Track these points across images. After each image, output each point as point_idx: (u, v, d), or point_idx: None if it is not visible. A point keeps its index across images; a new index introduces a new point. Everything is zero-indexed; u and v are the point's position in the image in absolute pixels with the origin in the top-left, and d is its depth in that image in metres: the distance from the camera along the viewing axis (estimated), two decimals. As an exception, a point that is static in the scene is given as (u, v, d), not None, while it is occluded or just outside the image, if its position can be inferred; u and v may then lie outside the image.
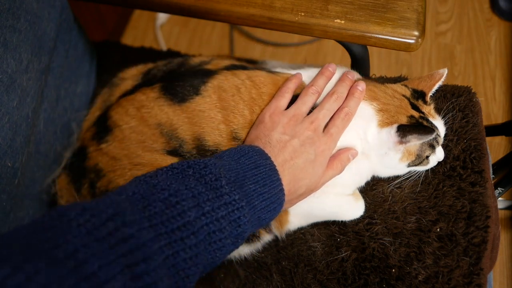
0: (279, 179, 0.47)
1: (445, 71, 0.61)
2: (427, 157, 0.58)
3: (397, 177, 0.61)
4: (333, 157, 0.55)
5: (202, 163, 0.43)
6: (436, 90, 0.67)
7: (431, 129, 0.53)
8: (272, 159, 0.48)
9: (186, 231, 0.37)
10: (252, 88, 0.57)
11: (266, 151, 0.49)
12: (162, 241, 0.36)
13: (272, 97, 0.56)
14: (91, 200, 0.37)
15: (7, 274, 0.28)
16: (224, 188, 0.41)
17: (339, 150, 0.56)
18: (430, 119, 0.57)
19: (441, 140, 0.58)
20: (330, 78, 0.59)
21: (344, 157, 0.55)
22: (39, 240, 0.31)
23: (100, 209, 0.35)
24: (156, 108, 0.57)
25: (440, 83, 0.61)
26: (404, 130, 0.53)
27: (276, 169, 0.47)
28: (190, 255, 0.37)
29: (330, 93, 0.56)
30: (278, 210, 0.47)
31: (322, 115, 0.55)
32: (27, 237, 0.32)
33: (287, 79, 0.58)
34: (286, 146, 0.51)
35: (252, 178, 0.45)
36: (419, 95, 0.60)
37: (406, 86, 0.61)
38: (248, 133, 0.55)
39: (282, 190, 0.47)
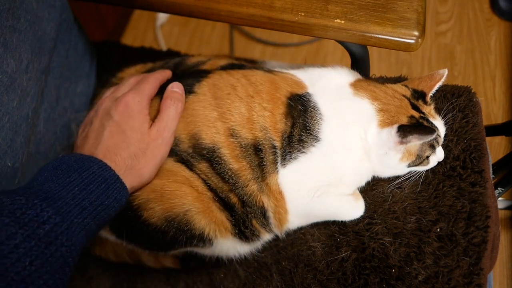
0: (91, 161, 0.45)
1: (445, 72, 0.61)
2: (427, 157, 0.58)
3: (397, 177, 0.61)
4: (162, 101, 0.54)
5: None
6: (436, 90, 0.67)
7: (431, 129, 0.53)
8: (80, 152, 0.49)
9: None
10: (248, 86, 0.57)
11: (77, 152, 0.50)
12: None
13: (271, 95, 0.56)
14: None
15: None
16: (5, 201, 0.38)
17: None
18: (431, 119, 0.57)
19: (441, 140, 0.59)
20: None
21: (169, 93, 0.54)
22: None
23: None
24: (152, 108, 0.57)
25: (440, 83, 0.61)
26: (404, 130, 0.53)
27: (83, 157, 0.46)
28: None
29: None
30: (107, 186, 0.44)
31: (115, 89, 0.56)
32: None
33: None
34: (88, 134, 0.52)
35: (52, 180, 0.42)
36: (419, 95, 0.60)
37: (406, 86, 0.61)
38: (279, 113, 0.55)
39: (102, 167, 0.45)
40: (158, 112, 0.54)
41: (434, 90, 0.61)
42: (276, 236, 0.61)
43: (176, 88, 0.55)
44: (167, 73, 0.60)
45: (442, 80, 0.61)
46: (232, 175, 0.54)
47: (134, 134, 0.50)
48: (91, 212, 0.42)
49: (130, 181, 0.49)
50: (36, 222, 0.37)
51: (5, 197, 0.38)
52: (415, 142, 0.55)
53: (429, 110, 0.59)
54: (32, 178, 0.44)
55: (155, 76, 0.58)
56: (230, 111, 0.55)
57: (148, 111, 0.54)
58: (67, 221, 0.39)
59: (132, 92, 0.53)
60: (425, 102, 0.60)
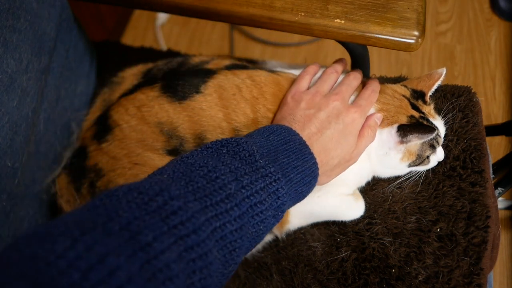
0: (310, 153, 0.47)
1: (443, 71, 0.61)
2: (428, 157, 0.58)
3: (398, 177, 0.61)
4: (362, 127, 0.54)
5: (234, 141, 0.44)
6: (436, 90, 0.67)
7: (431, 128, 0.53)
8: (300, 134, 0.49)
9: (230, 203, 0.38)
10: (253, 87, 0.57)
11: (293, 128, 0.49)
12: (209, 213, 0.36)
13: (275, 96, 0.56)
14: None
15: (67, 245, 0.28)
16: (259, 162, 0.42)
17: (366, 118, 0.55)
18: (430, 119, 0.57)
19: (441, 140, 0.59)
20: (344, 67, 0.60)
21: (372, 122, 0.55)
22: (92, 217, 0.32)
23: (146, 187, 0.36)
24: (156, 106, 0.57)
25: (439, 82, 0.61)
26: (404, 130, 0.54)
27: (305, 143, 0.48)
28: (235, 227, 0.38)
29: (347, 74, 0.58)
30: (313, 183, 0.47)
31: (345, 89, 0.55)
32: (81, 216, 0.33)
33: (305, 67, 0.59)
34: (312, 119, 0.51)
35: (284, 153, 0.45)
36: (418, 95, 0.60)
37: (405, 86, 0.61)
38: (273, 117, 0.56)
39: (315, 163, 0.47)
40: (360, 135, 0.54)
41: (433, 89, 0.61)
42: (276, 236, 0.61)
43: (378, 120, 0.56)
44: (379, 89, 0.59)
45: (441, 79, 0.61)
46: None
47: (345, 151, 0.52)
48: (296, 199, 0.47)
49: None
50: (275, 195, 0.42)
51: (259, 157, 0.43)
52: (415, 142, 0.55)
53: (429, 109, 0.59)
54: (263, 134, 0.47)
55: (376, 96, 0.57)
56: (235, 112, 0.55)
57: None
58: (288, 202, 0.44)
59: (360, 112, 0.53)
60: (425, 102, 0.60)
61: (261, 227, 0.41)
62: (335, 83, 0.57)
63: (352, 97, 0.56)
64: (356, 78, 0.57)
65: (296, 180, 0.45)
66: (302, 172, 0.45)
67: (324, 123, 0.51)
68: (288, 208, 0.46)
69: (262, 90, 0.57)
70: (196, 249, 0.34)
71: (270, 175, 0.42)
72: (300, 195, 0.46)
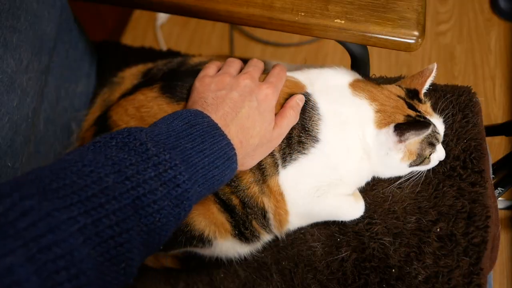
0: (221, 134, 0.45)
1: (434, 66, 0.61)
2: (428, 156, 0.58)
3: (398, 177, 0.61)
4: (282, 107, 0.54)
5: (126, 131, 0.41)
6: (436, 90, 0.67)
7: (427, 123, 0.53)
8: (212, 116, 0.47)
9: (105, 197, 0.35)
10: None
11: (204, 111, 0.48)
12: (75, 210, 0.33)
13: None
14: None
15: None
16: (151, 151, 0.40)
17: (287, 100, 0.55)
18: (428, 117, 0.57)
19: (440, 138, 0.59)
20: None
21: (293, 103, 0.55)
22: None
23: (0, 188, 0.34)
24: (155, 107, 0.57)
25: (431, 78, 0.61)
26: (401, 129, 0.54)
27: (215, 125, 0.46)
28: (115, 221, 0.35)
29: (250, 60, 0.59)
30: (229, 165, 0.45)
31: (252, 69, 0.55)
32: None
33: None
34: (225, 100, 0.50)
35: (188, 137, 0.43)
36: (413, 94, 0.60)
37: (400, 86, 0.61)
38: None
39: (228, 144, 0.45)
40: (280, 115, 0.54)
41: (426, 86, 0.61)
42: (276, 236, 0.61)
43: (300, 101, 0.55)
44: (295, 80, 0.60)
45: (433, 75, 0.61)
46: (234, 178, 0.54)
47: (264, 128, 0.51)
48: (209, 185, 0.44)
49: (239, 165, 0.49)
50: (173, 183, 0.39)
51: (151, 145, 0.40)
52: (414, 138, 0.55)
53: (425, 108, 0.59)
54: (166, 121, 0.45)
55: (285, 74, 0.58)
56: None
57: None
58: (193, 188, 0.41)
59: (273, 87, 0.53)
60: (420, 100, 0.60)
61: (157, 218, 0.38)
62: (240, 68, 0.57)
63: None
64: (259, 61, 0.58)
65: (202, 165, 0.42)
66: (210, 155, 0.43)
67: (237, 102, 0.50)
68: (200, 195, 0.44)
69: None
70: (55, 249, 0.32)
71: (164, 162, 0.39)
72: (213, 180, 0.44)
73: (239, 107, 0.50)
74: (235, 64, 0.57)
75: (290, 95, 0.56)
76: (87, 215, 0.34)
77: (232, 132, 0.47)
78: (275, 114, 0.54)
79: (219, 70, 0.57)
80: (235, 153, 0.46)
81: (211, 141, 0.44)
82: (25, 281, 0.30)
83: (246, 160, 0.50)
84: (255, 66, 0.56)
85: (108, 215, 0.35)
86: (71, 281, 0.32)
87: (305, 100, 0.56)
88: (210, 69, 0.57)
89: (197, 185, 0.42)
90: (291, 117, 0.54)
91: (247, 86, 0.52)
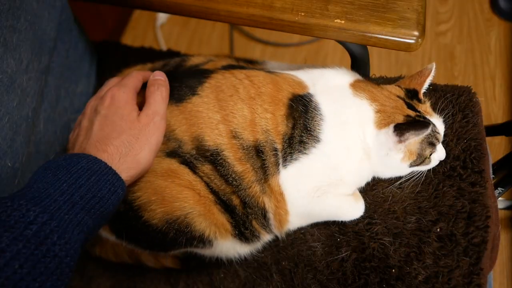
0: (80, 156, 0.44)
1: (433, 66, 0.61)
2: (429, 156, 0.58)
3: (398, 178, 0.61)
4: (147, 89, 0.55)
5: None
6: (436, 90, 0.67)
7: (426, 123, 0.53)
8: (76, 152, 0.49)
9: None
10: (251, 88, 0.57)
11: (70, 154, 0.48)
12: None
13: (273, 97, 0.56)
14: None
15: None
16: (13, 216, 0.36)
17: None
18: (427, 116, 0.57)
19: (440, 138, 0.59)
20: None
21: (151, 81, 0.55)
22: None
23: None
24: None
25: (430, 78, 0.61)
26: (400, 129, 0.54)
27: (72, 155, 0.45)
28: None
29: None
30: (98, 178, 0.43)
31: (99, 92, 0.58)
32: None
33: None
34: (79, 134, 0.53)
35: (40, 180, 0.41)
36: (412, 94, 0.60)
37: (399, 86, 0.61)
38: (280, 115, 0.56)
39: (91, 160, 0.44)
40: (144, 101, 0.55)
41: (425, 86, 0.61)
42: (276, 236, 0.61)
43: (158, 75, 0.56)
44: (147, 72, 0.61)
45: (432, 74, 0.61)
46: (236, 177, 0.54)
47: (124, 123, 0.51)
48: (83, 206, 0.41)
49: (127, 169, 0.48)
50: (22, 223, 0.35)
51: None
52: (414, 138, 0.55)
53: (425, 108, 0.59)
54: (25, 185, 0.43)
55: (136, 72, 0.59)
56: (233, 113, 0.55)
57: (135, 102, 0.54)
58: (57, 218, 0.38)
59: (116, 86, 0.55)
60: (419, 100, 0.60)
61: (16, 265, 0.33)
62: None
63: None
64: (112, 80, 0.59)
65: (61, 192, 0.40)
66: (68, 180, 0.41)
67: (87, 127, 0.52)
68: (89, 222, 0.41)
69: (259, 91, 0.56)
70: None
71: (5, 209, 0.36)
72: (85, 199, 0.41)
73: (90, 128, 0.51)
74: (89, 105, 0.57)
75: (294, 95, 0.56)
76: None
77: (91, 150, 0.47)
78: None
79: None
80: (104, 165, 0.44)
81: (68, 168, 0.42)
82: None
83: (131, 158, 0.49)
84: (105, 87, 0.58)
85: None
86: None
87: (308, 100, 0.56)
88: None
89: (63, 213, 0.38)
90: (154, 93, 0.54)
91: (92, 107, 0.55)
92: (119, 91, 0.54)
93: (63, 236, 0.37)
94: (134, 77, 0.57)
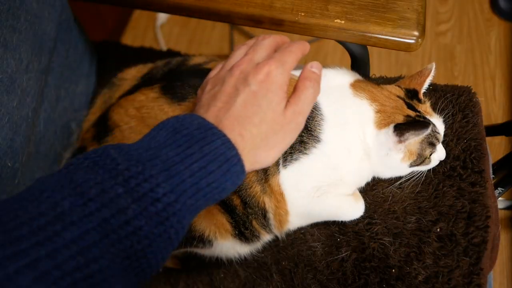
0: (215, 133, 0.39)
1: (433, 66, 0.61)
2: (429, 156, 0.58)
3: (398, 178, 0.61)
4: (296, 82, 0.47)
5: (100, 150, 0.37)
6: (436, 90, 0.67)
7: (426, 123, 0.53)
8: (204, 116, 0.41)
9: (61, 224, 0.31)
10: None
11: (197, 113, 0.43)
12: (24, 243, 0.29)
13: None
14: None
15: None
16: (121, 165, 0.35)
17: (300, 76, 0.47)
18: (427, 117, 0.57)
19: (440, 138, 0.59)
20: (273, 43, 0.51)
21: (307, 73, 0.47)
22: None
23: None
24: (156, 108, 0.57)
25: (430, 78, 0.61)
26: (400, 129, 0.54)
27: (207, 125, 0.40)
28: (77, 250, 0.30)
29: (257, 36, 0.51)
30: (228, 168, 0.39)
31: (252, 50, 0.47)
32: None
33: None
34: (216, 96, 0.44)
35: (170, 146, 0.37)
36: (412, 94, 0.60)
37: (399, 86, 0.61)
38: None
39: (226, 142, 0.39)
40: (293, 91, 0.46)
41: (425, 86, 0.61)
42: (276, 236, 0.61)
43: (315, 68, 0.48)
44: (307, 47, 0.51)
45: (431, 74, 0.61)
46: None
47: (270, 111, 0.43)
48: (205, 194, 0.38)
49: (250, 162, 0.42)
50: (150, 198, 0.34)
51: (122, 159, 0.35)
52: (414, 138, 0.55)
53: (425, 108, 0.59)
54: (152, 133, 0.40)
55: (298, 48, 0.49)
56: None
57: (287, 88, 0.45)
58: (181, 201, 0.35)
59: (275, 62, 0.44)
60: (419, 100, 0.60)
61: (134, 240, 0.33)
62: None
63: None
64: (268, 37, 0.49)
65: (190, 172, 0.37)
66: (200, 160, 0.37)
67: (230, 94, 0.43)
68: (199, 207, 0.38)
69: None
70: None
71: (135, 175, 0.34)
72: (209, 188, 0.38)
73: (233, 97, 0.43)
74: (237, 53, 0.49)
75: None
76: (40, 246, 0.29)
77: (227, 128, 0.41)
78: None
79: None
80: (235, 153, 0.39)
81: (201, 143, 0.38)
82: None
83: (259, 153, 0.43)
84: (256, 45, 0.48)
85: (67, 245, 0.30)
86: None
87: None
88: (213, 71, 0.50)
89: (186, 197, 0.36)
90: (308, 89, 0.45)
91: (242, 72, 0.44)
92: (277, 69, 0.44)
93: (181, 221, 0.36)
94: (294, 54, 0.47)
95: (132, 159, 0.35)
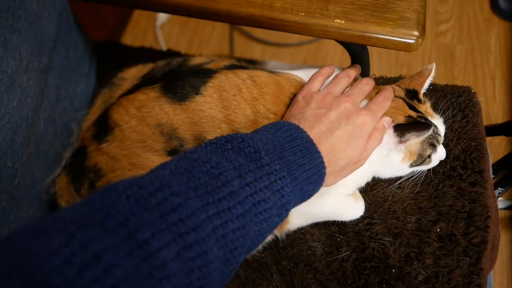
0: (317, 151, 0.47)
1: (433, 66, 0.61)
2: (429, 156, 0.58)
3: (398, 178, 0.61)
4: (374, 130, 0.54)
5: (239, 137, 0.43)
6: (436, 90, 0.67)
7: (427, 124, 0.53)
8: (308, 132, 0.48)
9: (232, 201, 0.37)
10: (253, 88, 0.57)
11: (301, 126, 0.49)
12: (210, 210, 0.35)
13: (276, 97, 0.56)
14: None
15: (63, 241, 0.28)
16: (264, 159, 0.41)
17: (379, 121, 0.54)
18: (429, 117, 0.57)
19: (441, 139, 0.59)
20: (357, 73, 0.60)
21: (380, 125, 0.54)
22: (90, 212, 0.32)
23: (146, 182, 0.35)
24: (156, 107, 0.57)
25: (430, 78, 0.61)
26: (401, 129, 0.54)
27: (312, 141, 0.47)
28: (237, 226, 0.37)
29: (360, 79, 0.57)
30: (319, 182, 0.47)
31: (357, 92, 0.54)
32: (79, 211, 0.32)
33: (320, 68, 0.59)
34: (322, 119, 0.50)
35: (290, 150, 0.45)
36: (412, 94, 0.60)
37: (399, 86, 0.61)
38: (281, 117, 0.56)
39: (322, 162, 0.47)
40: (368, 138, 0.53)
41: (425, 86, 0.61)
42: (276, 236, 0.61)
43: (387, 123, 0.55)
44: (392, 97, 0.58)
45: (432, 75, 0.61)
46: None
47: (354, 153, 0.51)
48: (302, 199, 0.46)
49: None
50: (280, 194, 0.41)
51: (264, 154, 0.42)
52: (414, 139, 0.55)
53: (426, 108, 0.59)
54: (270, 130, 0.46)
55: (389, 104, 0.56)
56: (235, 113, 0.55)
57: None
58: (292, 201, 0.43)
59: (371, 115, 0.52)
60: (420, 101, 0.60)
61: (264, 225, 0.40)
62: (346, 87, 0.57)
63: (363, 103, 0.56)
64: (368, 83, 0.56)
65: (301, 179, 0.44)
66: (308, 171, 0.45)
67: (334, 123, 0.50)
68: (293, 207, 0.45)
69: (262, 91, 0.57)
70: (195, 247, 0.33)
71: (275, 172, 0.41)
72: (305, 194, 0.46)
73: (335, 128, 0.50)
74: (342, 82, 0.56)
75: (295, 95, 0.56)
76: (218, 216, 0.36)
77: (323, 151, 0.48)
78: None
79: (326, 80, 0.58)
80: (325, 171, 0.47)
81: (310, 157, 0.45)
82: (172, 276, 0.31)
83: (329, 178, 0.50)
84: (360, 89, 0.55)
85: (233, 219, 0.37)
86: (200, 280, 0.33)
87: None
88: (315, 84, 0.56)
89: (294, 197, 0.43)
90: (376, 140, 0.53)
91: (346, 109, 0.52)
92: (371, 122, 0.52)
93: (286, 215, 0.43)
94: (385, 108, 0.55)
95: (269, 155, 0.43)
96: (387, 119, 0.55)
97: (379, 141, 0.54)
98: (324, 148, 0.48)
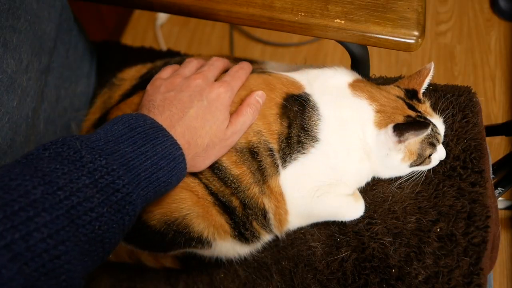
0: (166, 135, 0.45)
1: (431, 65, 0.61)
2: (429, 156, 0.58)
3: (399, 177, 0.61)
4: (240, 105, 0.53)
5: (60, 141, 0.40)
6: (436, 90, 0.67)
7: (426, 123, 0.53)
8: (157, 118, 0.47)
9: (34, 210, 0.34)
10: (242, 90, 0.56)
11: (150, 114, 0.48)
12: (1, 226, 0.32)
13: (266, 97, 0.56)
14: None
15: None
16: (86, 158, 0.39)
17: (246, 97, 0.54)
18: (428, 117, 0.57)
19: (441, 138, 0.59)
20: (221, 64, 0.59)
21: (253, 100, 0.53)
22: None
23: None
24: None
25: (429, 77, 0.61)
26: (400, 129, 0.54)
27: (159, 126, 0.46)
28: (48, 233, 0.34)
29: (211, 58, 0.58)
30: (175, 166, 0.45)
31: (207, 68, 0.54)
32: None
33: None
34: (172, 101, 0.49)
35: (128, 141, 0.43)
36: (412, 94, 0.60)
37: (398, 86, 0.61)
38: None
39: (173, 144, 0.45)
40: (236, 112, 0.53)
41: (424, 85, 0.61)
42: (276, 236, 0.61)
43: (260, 98, 0.54)
44: (250, 69, 0.58)
45: (430, 74, 0.61)
46: (234, 180, 0.54)
47: (215, 127, 0.50)
48: (155, 187, 0.44)
49: (189, 166, 0.49)
50: (112, 188, 0.39)
51: (86, 152, 0.39)
52: (413, 139, 0.55)
53: (425, 108, 0.59)
54: (107, 127, 0.44)
55: (244, 74, 0.56)
56: None
57: (230, 108, 0.53)
58: (136, 192, 0.41)
59: (225, 86, 0.52)
60: (419, 100, 0.60)
61: (96, 226, 0.37)
62: (196, 68, 0.56)
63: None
64: (220, 60, 0.56)
65: (144, 167, 0.42)
66: (152, 157, 0.43)
67: (186, 103, 0.49)
68: (148, 198, 0.43)
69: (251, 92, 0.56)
70: None
71: (100, 168, 0.39)
72: (158, 182, 0.44)
73: (187, 107, 0.49)
74: (191, 64, 0.56)
75: (288, 95, 0.56)
76: (15, 229, 0.33)
77: (178, 133, 0.47)
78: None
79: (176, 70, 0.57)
80: (181, 153, 0.46)
81: (154, 142, 0.44)
82: None
83: (197, 161, 0.50)
84: (211, 65, 0.55)
85: (39, 228, 0.34)
86: None
87: (305, 100, 0.56)
88: (164, 72, 0.56)
89: (140, 189, 0.41)
90: (247, 115, 0.52)
91: (198, 86, 0.51)
92: (227, 93, 0.52)
93: (135, 209, 0.41)
94: (242, 79, 0.55)
95: (95, 151, 0.40)
96: (259, 92, 0.54)
97: (252, 117, 0.53)
98: (179, 130, 0.47)
